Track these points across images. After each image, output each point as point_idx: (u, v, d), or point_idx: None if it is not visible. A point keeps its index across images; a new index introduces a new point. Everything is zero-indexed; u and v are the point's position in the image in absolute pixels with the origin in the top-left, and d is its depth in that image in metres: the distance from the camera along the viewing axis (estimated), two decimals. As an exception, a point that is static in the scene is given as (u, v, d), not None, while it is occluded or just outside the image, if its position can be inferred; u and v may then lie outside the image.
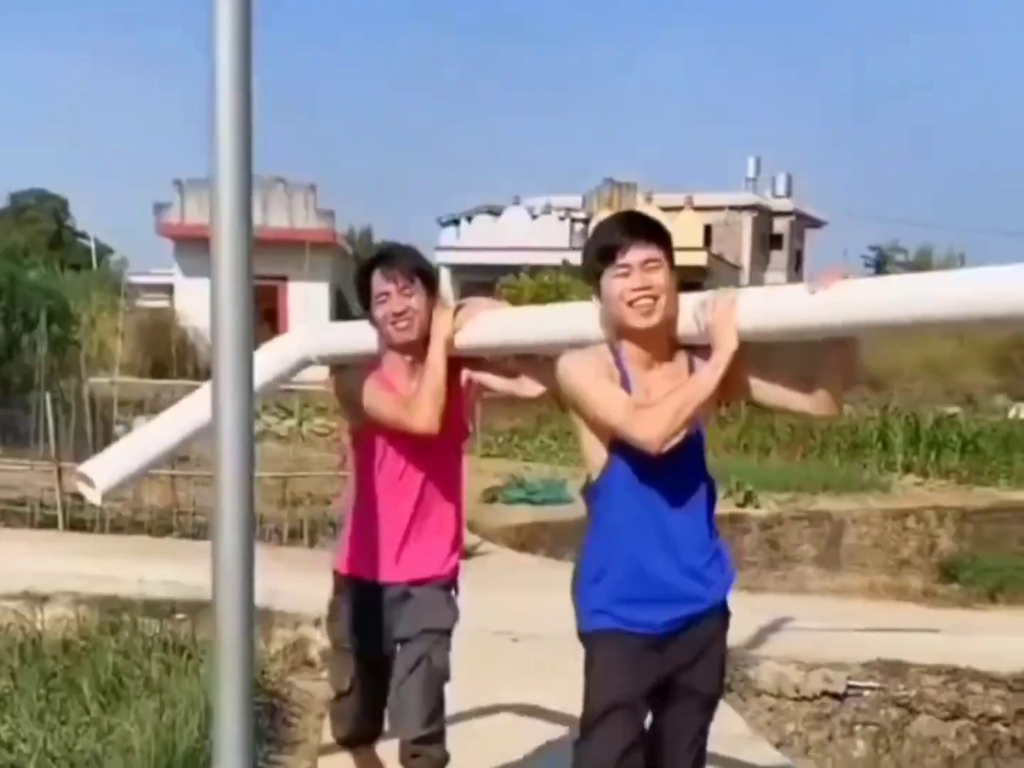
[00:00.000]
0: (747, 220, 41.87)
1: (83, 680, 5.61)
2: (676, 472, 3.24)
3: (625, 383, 3.20)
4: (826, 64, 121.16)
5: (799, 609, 8.84)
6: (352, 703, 4.06)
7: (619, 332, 3.23)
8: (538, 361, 3.79)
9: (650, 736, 3.41)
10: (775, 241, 43.93)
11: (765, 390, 3.28)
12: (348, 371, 4.00)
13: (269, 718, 5.99)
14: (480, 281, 28.29)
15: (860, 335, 3.12)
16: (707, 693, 3.43)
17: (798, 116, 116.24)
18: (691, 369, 3.25)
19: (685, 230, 28.64)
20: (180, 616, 7.20)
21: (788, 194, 45.08)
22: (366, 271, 3.87)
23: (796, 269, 43.96)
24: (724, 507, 13.85)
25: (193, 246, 25.44)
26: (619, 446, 3.18)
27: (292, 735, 5.99)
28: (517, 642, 7.28)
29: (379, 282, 3.81)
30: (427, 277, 3.88)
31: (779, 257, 43.72)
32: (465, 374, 3.94)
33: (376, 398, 3.81)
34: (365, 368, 3.91)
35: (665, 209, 30.66)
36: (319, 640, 7.30)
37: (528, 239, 28.22)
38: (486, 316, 3.79)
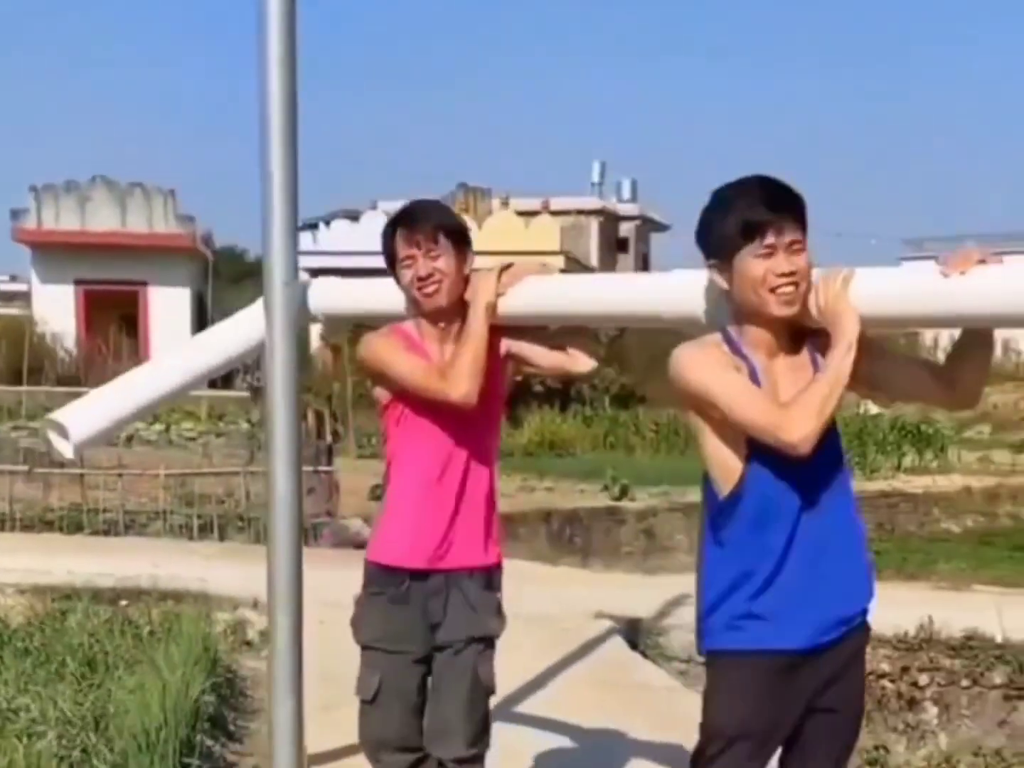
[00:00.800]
0: (594, 224, 42.67)
1: (65, 655, 5.94)
2: (820, 474, 2.92)
3: (753, 376, 2.87)
4: (669, 67, 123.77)
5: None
6: (380, 712, 3.65)
7: (746, 317, 2.90)
8: (584, 335, 3.65)
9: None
10: (621, 245, 44.85)
11: (892, 379, 3.01)
12: (375, 337, 3.67)
13: (229, 689, 6.34)
14: (342, 285, 28.56)
15: (1002, 326, 2.90)
16: (853, 710, 3.10)
17: (642, 120, 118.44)
18: (813, 355, 2.95)
19: (543, 234, 29.31)
20: (124, 602, 7.52)
21: (633, 199, 46.01)
22: (389, 233, 3.60)
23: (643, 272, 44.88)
24: (601, 500, 14.51)
25: (49, 252, 25.24)
26: (757, 452, 2.85)
27: (251, 704, 6.35)
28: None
29: (402, 245, 3.53)
30: (455, 234, 3.56)
31: (626, 260, 44.65)
32: (504, 345, 3.66)
33: (407, 365, 3.54)
34: (393, 332, 3.65)
35: (521, 213, 31.37)
36: (256, 622, 7.69)
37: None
38: (533, 281, 3.55)
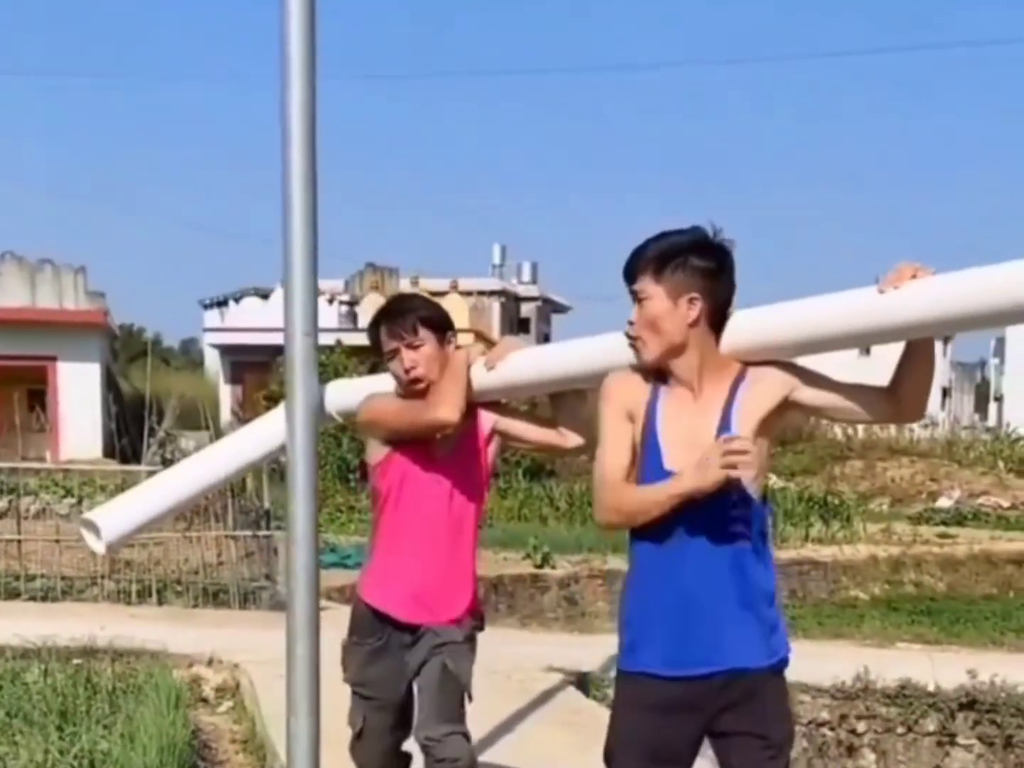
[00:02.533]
0: (495, 305, 43.15)
1: (34, 709, 6.00)
2: (717, 519, 3.05)
3: (651, 420, 3.11)
4: (555, 149, 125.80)
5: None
6: (365, 744, 4.04)
7: None
8: (573, 414, 3.85)
9: None
10: (523, 325, 45.35)
11: (833, 405, 3.14)
12: (372, 396, 3.95)
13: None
14: (252, 361, 28.65)
15: (941, 333, 3.04)
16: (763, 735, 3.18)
17: (543, 206, 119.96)
18: (731, 395, 3.09)
19: (453, 313, 29.47)
20: (77, 661, 7.54)
21: (534, 281, 46.62)
22: (375, 327, 3.91)
23: (544, 353, 45.42)
24: (523, 568, 14.71)
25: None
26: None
27: (215, 756, 6.45)
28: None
29: (386, 339, 3.85)
30: (434, 323, 3.85)
31: (527, 341, 45.13)
32: (491, 421, 3.93)
33: (394, 405, 3.84)
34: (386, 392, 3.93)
35: (432, 293, 31.67)
36: (211, 679, 7.78)
37: (297, 320, 28.51)
38: (517, 356, 3.73)
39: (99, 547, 4.25)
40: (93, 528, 4.22)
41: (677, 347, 3.07)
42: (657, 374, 3.15)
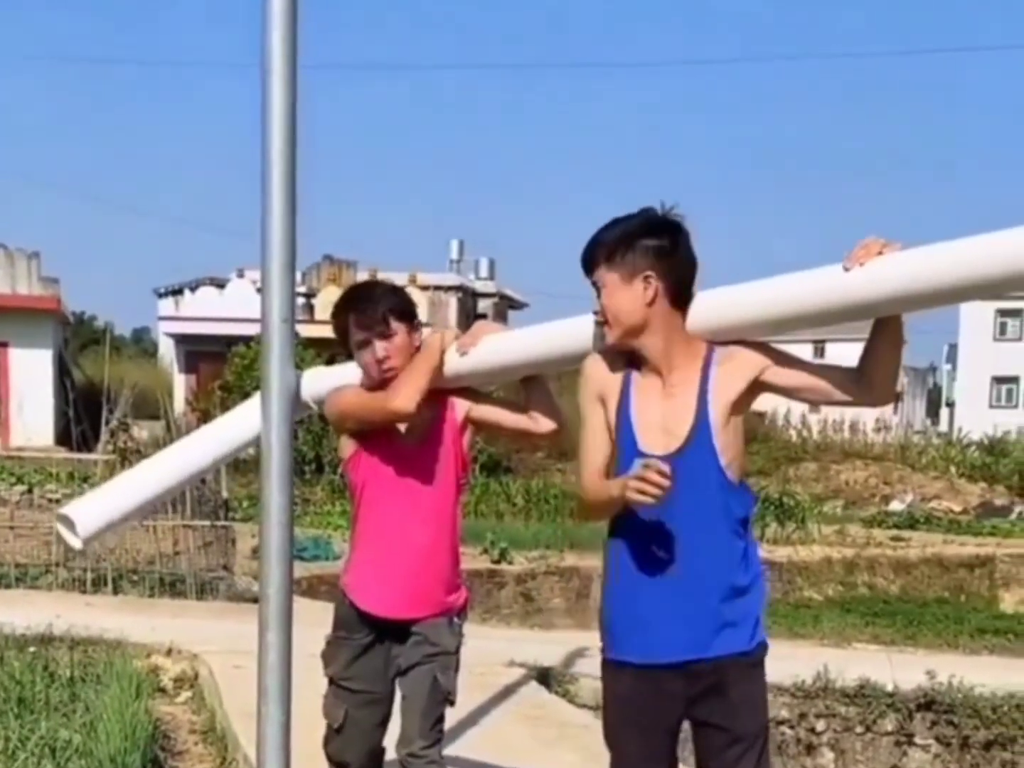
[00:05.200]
0: (453, 300, 43.08)
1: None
2: (693, 505, 3.06)
3: (624, 402, 3.15)
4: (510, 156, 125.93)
5: (591, 641, 9.72)
6: (346, 739, 3.98)
7: None
8: (544, 398, 3.83)
9: None
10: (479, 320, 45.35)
11: (803, 387, 3.14)
12: (337, 390, 3.90)
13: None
14: (207, 351, 28.45)
15: (908, 309, 2.99)
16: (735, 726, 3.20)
17: (501, 202, 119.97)
18: (704, 375, 3.09)
19: (411, 307, 29.58)
20: (32, 649, 7.45)
21: (491, 277, 46.60)
22: (341, 314, 3.84)
23: (501, 349, 45.51)
24: (481, 563, 14.70)
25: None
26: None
27: (174, 746, 6.38)
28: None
29: (355, 329, 3.77)
30: (404, 313, 3.81)
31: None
32: (464, 408, 3.88)
33: (356, 396, 3.81)
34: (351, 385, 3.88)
35: (390, 286, 31.60)
36: (169, 668, 7.70)
37: (253, 311, 28.22)
38: (492, 339, 3.72)
39: (75, 542, 4.15)
40: (68, 523, 4.12)
41: (638, 327, 3.09)
42: (631, 358, 3.16)
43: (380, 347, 3.73)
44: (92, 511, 4.25)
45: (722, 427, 3.09)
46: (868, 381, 3.06)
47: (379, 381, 3.76)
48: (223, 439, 4.38)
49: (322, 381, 4.14)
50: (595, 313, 3.19)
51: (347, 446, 3.93)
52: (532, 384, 3.87)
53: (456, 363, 3.77)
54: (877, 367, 3.05)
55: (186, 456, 4.43)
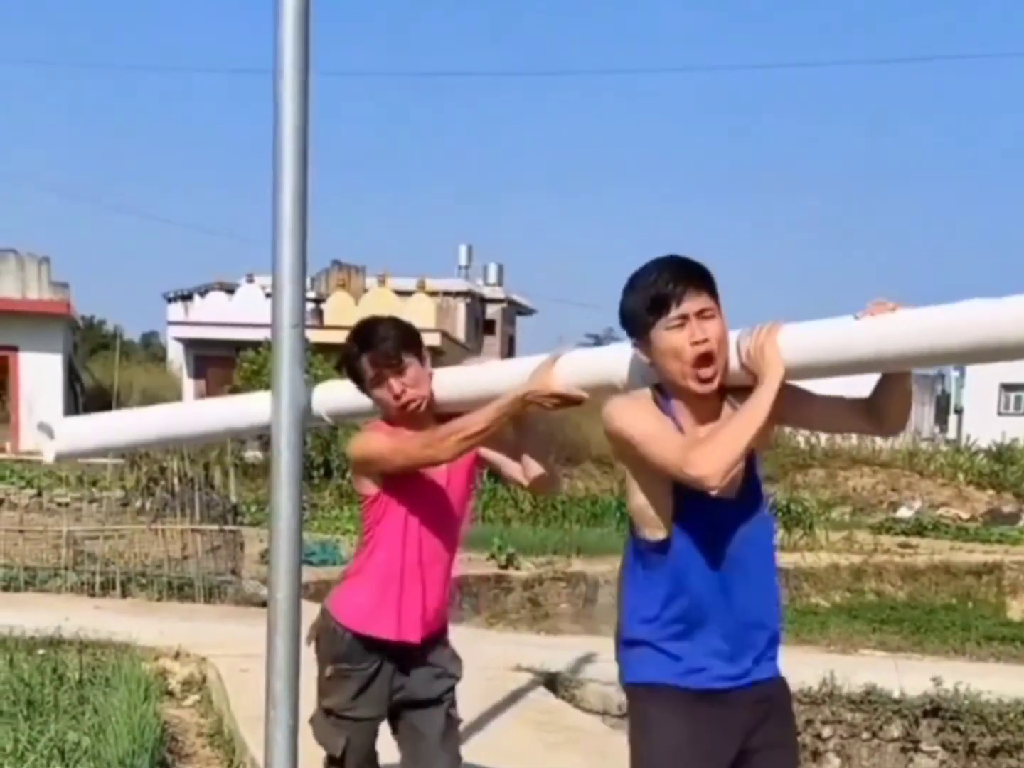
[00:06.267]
0: (461, 306, 43.16)
1: (7, 698, 5.96)
2: (743, 522, 3.02)
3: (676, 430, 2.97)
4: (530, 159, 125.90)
5: (599, 647, 9.74)
6: (348, 766, 4.01)
7: (673, 391, 3.00)
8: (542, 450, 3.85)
9: None
10: (488, 327, 45.37)
11: (814, 417, 3.18)
12: (361, 434, 3.99)
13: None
14: (216, 355, 28.50)
15: (912, 366, 2.97)
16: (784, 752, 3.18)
17: (510, 207, 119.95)
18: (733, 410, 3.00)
19: (419, 312, 29.57)
20: (41, 651, 7.49)
21: (499, 283, 46.66)
22: (355, 355, 3.86)
23: (509, 354, 45.58)
24: (488, 568, 14.72)
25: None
26: (684, 502, 2.96)
27: (182, 749, 6.42)
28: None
29: (368, 367, 3.82)
30: (411, 343, 3.85)
31: (492, 342, 45.18)
32: (479, 449, 3.88)
33: (390, 444, 3.80)
34: (377, 427, 3.93)
35: (399, 292, 31.65)
36: (177, 672, 7.74)
37: (262, 316, 28.36)
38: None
39: (49, 453, 4.16)
40: (49, 432, 4.14)
41: (726, 371, 2.98)
42: (659, 399, 3.03)
43: (396, 384, 3.78)
44: (75, 429, 4.32)
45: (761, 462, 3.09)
46: (880, 416, 3.04)
47: (399, 415, 3.82)
48: (225, 414, 4.41)
49: (334, 395, 4.17)
50: (703, 341, 2.90)
51: (368, 484, 3.95)
52: (527, 434, 3.86)
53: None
54: (890, 404, 3.03)
55: (182, 416, 4.50)
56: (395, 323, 3.93)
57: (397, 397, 3.78)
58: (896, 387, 2.99)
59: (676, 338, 2.90)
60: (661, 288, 2.91)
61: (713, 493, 2.83)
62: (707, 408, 2.99)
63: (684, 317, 2.89)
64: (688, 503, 2.94)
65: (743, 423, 2.84)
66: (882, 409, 3.03)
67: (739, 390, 2.98)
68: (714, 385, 2.94)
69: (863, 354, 2.87)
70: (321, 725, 4.02)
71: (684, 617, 3.02)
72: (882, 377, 3.02)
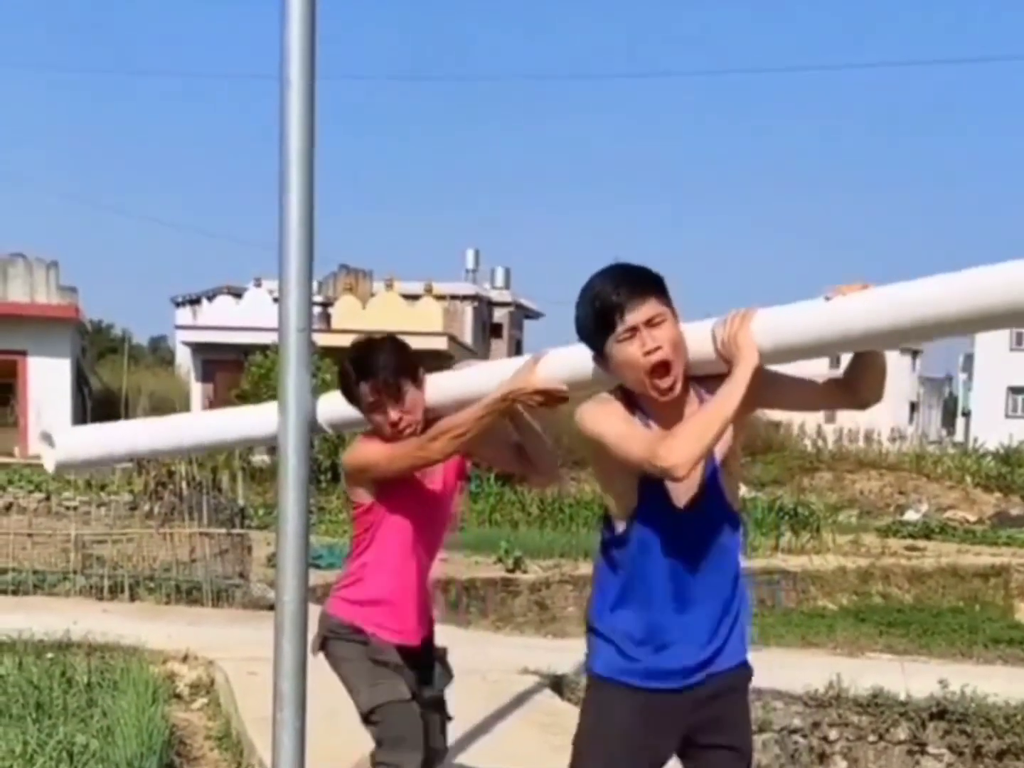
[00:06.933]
0: (468, 309, 43.19)
1: (10, 702, 5.99)
2: (704, 521, 3.07)
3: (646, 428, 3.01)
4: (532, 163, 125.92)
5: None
6: (417, 745, 4.03)
7: (639, 396, 3.04)
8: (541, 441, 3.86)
9: None
10: (495, 330, 45.42)
11: (787, 397, 3.19)
12: (357, 444, 4.05)
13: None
14: (224, 359, 28.54)
15: (886, 343, 3.00)
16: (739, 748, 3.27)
17: (517, 211, 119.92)
18: (701, 402, 3.04)
19: (426, 316, 29.67)
20: (50, 655, 7.52)
21: (506, 286, 46.69)
22: (353, 380, 3.92)
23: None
24: (495, 571, 14.74)
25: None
26: (647, 500, 3.03)
27: (190, 752, 6.44)
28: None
29: (366, 392, 3.87)
30: (407, 369, 3.88)
31: (499, 345, 45.24)
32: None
33: (386, 452, 3.87)
34: (373, 438, 3.97)
35: (406, 296, 31.71)
36: (185, 675, 7.77)
37: (270, 320, 28.21)
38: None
39: (49, 463, 4.18)
40: (49, 441, 4.17)
41: (687, 367, 3.02)
42: (629, 404, 3.05)
43: (394, 412, 3.84)
44: (76, 439, 4.32)
45: (728, 464, 3.12)
46: (855, 389, 3.09)
47: (393, 436, 3.87)
48: (232, 426, 4.43)
49: (334, 407, 4.17)
50: (657, 349, 2.92)
51: (362, 493, 4.02)
52: (527, 433, 3.89)
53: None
54: (864, 376, 3.07)
55: (186, 428, 4.49)
56: (392, 349, 3.97)
57: (394, 424, 3.84)
58: (869, 362, 3.03)
59: (628, 350, 2.93)
60: (605, 302, 2.93)
61: (681, 505, 2.99)
62: (674, 406, 3.01)
63: (633, 329, 2.91)
64: (650, 503, 3.03)
65: (712, 415, 2.87)
66: (857, 384, 3.08)
67: (715, 379, 3.00)
68: (675, 392, 2.97)
69: (833, 334, 2.90)
70: (389, 722, 3.99)
71: (638, 614, 3.11)
72: (855, 353, 3.06)
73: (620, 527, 3.10)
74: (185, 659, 7.86)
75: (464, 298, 42.80)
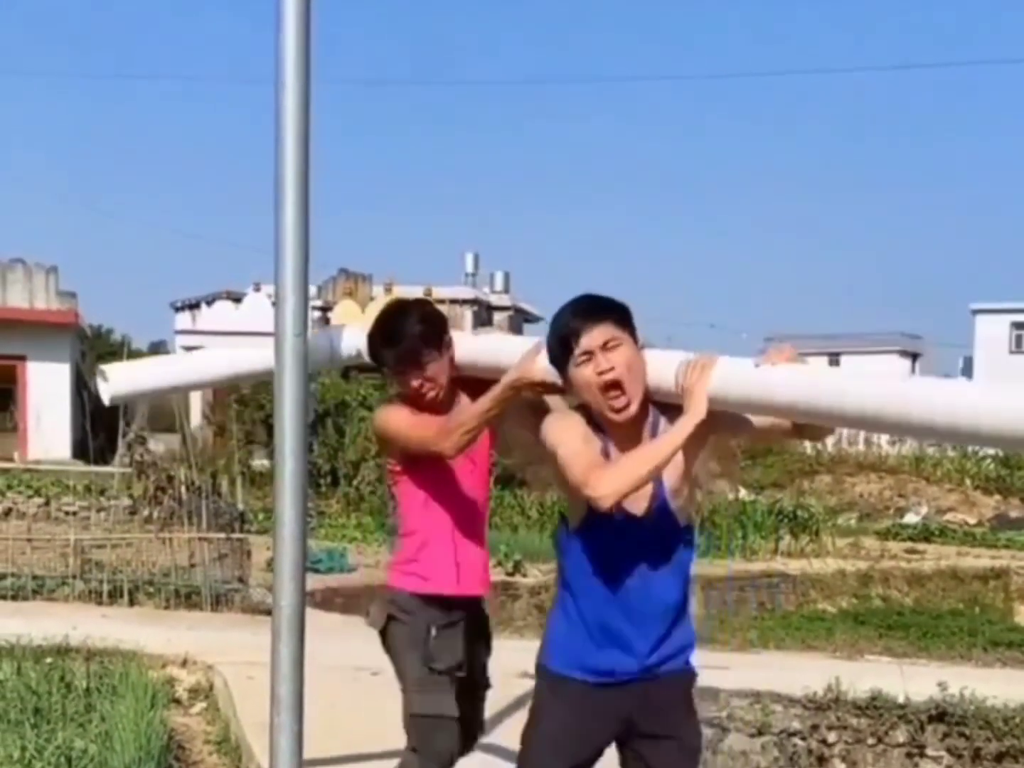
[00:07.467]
0: (468, 313, 43.14)
1: (14, 706, 5.99)
2: (651, 532, 3.24)
3: (605, 453, 3.19)
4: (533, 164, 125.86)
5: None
6: (452, 731, 4.26)
7: (601, 418, 3.21)
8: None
9: None
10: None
11: (739, 433, 3.42)
12: (383, 408, 4.23)
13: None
14: (223, 364, 28.51)
15: (793, 417, 3.18)
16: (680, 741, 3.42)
17: (516, 214, 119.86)
18: (653, 433, 3.22)
19: (426, 320, 29.66)
20: (48, 660, 7.52)
21: (506, 290, 46.66)
22: (377, 346, 4.06)
23: (515, 362, 45.52)
24: (495, 575, 14.73)
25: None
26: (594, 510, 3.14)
27: (189, 757, 6.44)
28: (376, 675, 7.88)
29: (390, 359, 4.02)
30: (434, 337, 3.98)
31: (503, 347, 45.16)
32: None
33: (404, 424, 4.00)
34: (400, 405, 4.09)
35: (405, 300, 31.68)
36: (184, 680, 7.77)
37: (270, 325, 28.12)
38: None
39: (105, 396, 4.63)
40: (104, 376, 4.62)
41: (645, 389, 3.19)
42: (591, 422, 3.23)
43: (416, 381, 3.97)
44: (126, 375, 4.76)
45: (678, 487, 3.26)
46: (800, 429, 3.32)
47: (422, 404, 4.01)
48: (254, 358, 4.70)
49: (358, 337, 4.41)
50: (610, 369, 3.10)
51: (398, 455, 4.16)
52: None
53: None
54: (809, 427, 3.30)
55: (230, 356, 4.89)
56: (420, 317, 4.04)
57: (416, 390, 3.97)
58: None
59: (584, 373, 3.13)
60: (563, 329, 3.17)
61: (629, 514, 3.17)
62: (632, 427, 3.19)
63: (589, 352, 3.11)
64: (599, 511, 3.12)
65: (647, 457, 3.06)
66: (804, 427, 3.29)
67: (677, 408, 3.15)
68: (630, 412, 3.14)
69: (760, 400, 3.07)
70: (429, 695, 4.17)
71: (585, 614, 3.31)
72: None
73: (572, 529, 3.30)
74: (184, 664, 7.85)
75: (464, 302, 42.72)
